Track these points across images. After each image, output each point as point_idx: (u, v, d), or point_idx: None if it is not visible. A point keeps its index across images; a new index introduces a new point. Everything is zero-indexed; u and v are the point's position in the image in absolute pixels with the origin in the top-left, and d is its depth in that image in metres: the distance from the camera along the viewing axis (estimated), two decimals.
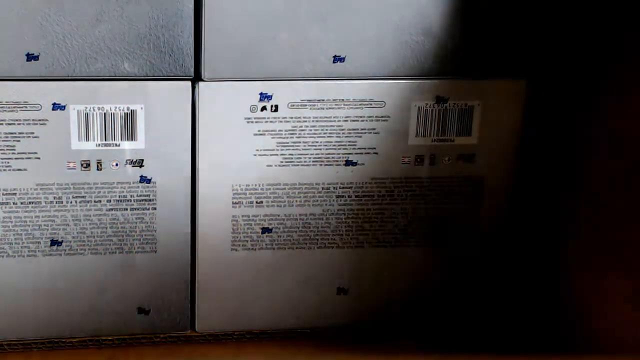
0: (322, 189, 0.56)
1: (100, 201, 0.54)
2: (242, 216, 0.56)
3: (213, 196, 0.55)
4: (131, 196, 0.54)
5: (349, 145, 0.55)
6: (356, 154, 0.55)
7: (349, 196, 0.56)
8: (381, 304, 0.59)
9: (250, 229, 0.56)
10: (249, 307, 0.58)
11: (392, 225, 0.57)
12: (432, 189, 0.57)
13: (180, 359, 0.56)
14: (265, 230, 0.56)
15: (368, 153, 0.55)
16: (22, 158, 0.52)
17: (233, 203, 0.55)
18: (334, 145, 0.55)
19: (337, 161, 0.55)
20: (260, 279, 0.57)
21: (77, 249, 0.55)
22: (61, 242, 0.55)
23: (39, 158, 0.52)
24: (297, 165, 0.55)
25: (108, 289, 0.56)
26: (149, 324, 0.57)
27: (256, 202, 0.55)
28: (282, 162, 0.55)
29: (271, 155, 0.55)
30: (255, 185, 0.55)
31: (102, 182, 0.54)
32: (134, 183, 0.54)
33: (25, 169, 0.53)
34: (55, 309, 0.56)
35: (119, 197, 0.54)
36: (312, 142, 0.55)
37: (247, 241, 0.56)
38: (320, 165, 0.55)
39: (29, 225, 0.54)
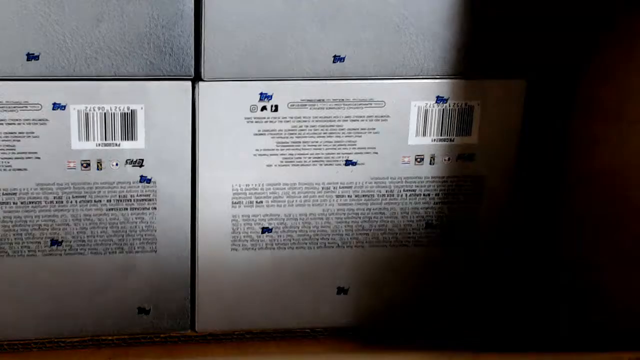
0: (322, 188, 0.56)
1: (100, 201, 0.54)
2: (242, 216, 0.56)
3: (213, 196, 0.55)
4: (131, 196, 0.54)
5: (349, 145, 0.55)
6: (356, 153, 0.55)
7: (349, 196, 0.56)
8: (381, 303, 0.59)
9: (250, 229, 0.56)
10: (249, 307, 0.58)
11: (392, 225, 0.57)
12: (432, 189, 0.57)
13: (180, 359, 0.56)
14: (265, 230, 0.56)
15: (368, 153, 0.55)
16: (22, 158, 0.52)
17: (233, 203, 0.55)
18: (334, 145, 0.55)
19: (337, 161, 0.55)
20: (260, 279, 0.57)
21: (77, 249, 0.55)
22: (61, 242, 0.55)
23: (39, 158, 0.52)
24: (297, 165, 0.55)
25: (108, 289, 0.56)
26: (149, 324, 0.57)
27: (256, 202, 0.55)
28: (282, 162, 0.55)
29: (271, 155, 0.55)
30: (255, 185, 0.55)
31: (102, 182, 0.54)
32: (134, 183, 0.54)
33: (25, 169, 0.53)
34: (55, 309, 0.56)
35: (119, 197, 0.54)
36: (312, 142, 0.55)
37: (247, 241, 0.56)
38: (320, 165, 0.55)
39: (29, 225, 0.54)
